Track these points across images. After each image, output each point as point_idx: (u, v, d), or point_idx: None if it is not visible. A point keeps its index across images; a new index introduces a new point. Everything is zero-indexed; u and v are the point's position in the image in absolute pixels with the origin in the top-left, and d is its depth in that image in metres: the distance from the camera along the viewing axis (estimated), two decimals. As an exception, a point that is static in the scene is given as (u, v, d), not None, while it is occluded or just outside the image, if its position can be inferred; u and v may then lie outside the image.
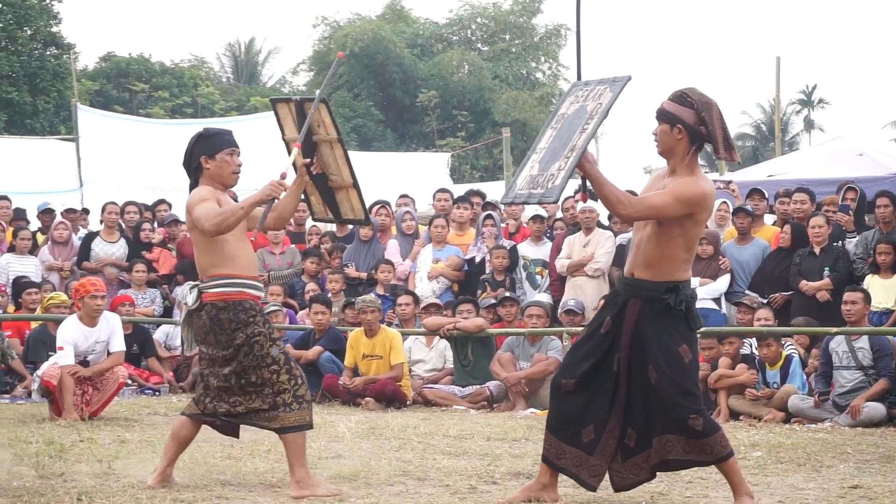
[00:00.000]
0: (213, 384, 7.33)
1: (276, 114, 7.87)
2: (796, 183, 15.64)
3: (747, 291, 13.80)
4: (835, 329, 12.19)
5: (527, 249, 15.62)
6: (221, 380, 7.28)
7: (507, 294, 14.67)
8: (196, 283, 7.37)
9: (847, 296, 12.18)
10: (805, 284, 13.32)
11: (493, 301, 14.60)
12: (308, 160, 7.67)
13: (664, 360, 6.62)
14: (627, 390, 6.77)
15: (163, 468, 7.48)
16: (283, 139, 7.81)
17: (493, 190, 21.36)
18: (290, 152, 7.63)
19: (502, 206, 16.89)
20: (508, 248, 15.43)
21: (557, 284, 15.06)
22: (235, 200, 16.99)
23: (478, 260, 15.65)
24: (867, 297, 12.25)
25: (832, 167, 17.43)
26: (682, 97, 6.74)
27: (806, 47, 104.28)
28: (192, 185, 7.47)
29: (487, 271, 15.41)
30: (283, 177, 7.26)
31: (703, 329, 12.92)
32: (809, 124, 64.53)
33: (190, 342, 7.56)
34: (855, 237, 13.85)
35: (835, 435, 10.83)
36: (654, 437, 6.66)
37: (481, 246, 15.63)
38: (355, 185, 7.85)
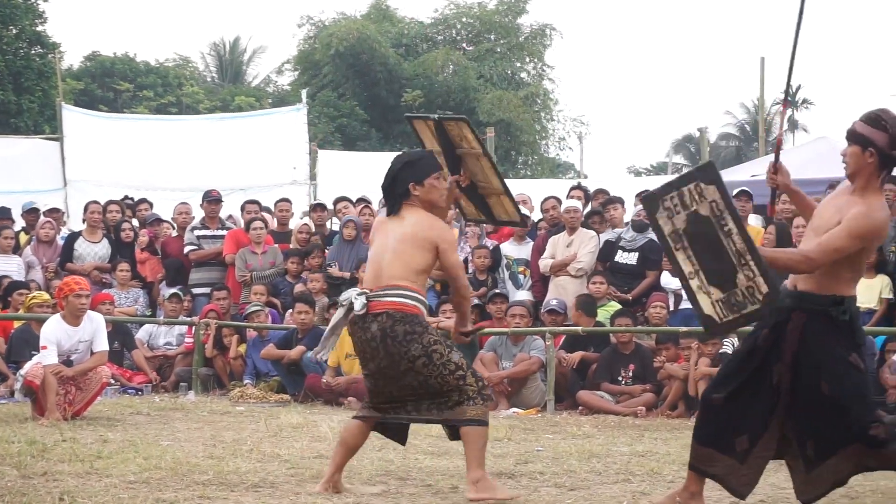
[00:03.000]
0: (389, 395, 7.27)
1: (415, 129, 8.00)
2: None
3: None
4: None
5: (509, 249, 15.62)
6: (398, 390, 7.20)
7: (497, 290, 14.69)
8: (363, 290, 7.22)
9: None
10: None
11: (476, 301, 14.61)
12: (456, 176, 7.83)
13: (838, 371, 6.40)
14: (792, 402, 6.54)
15: (329, 474, 7.38)
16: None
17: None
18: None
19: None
20: (491, 247, 15.45)
21: (540, 284, 15.08)
22: (220, 199, 16.96)
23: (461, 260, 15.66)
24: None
25: (817, 167, 17.40)
26: (875, 119, 6.48)
27: (790, 48, 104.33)
28: (392, 210, 7.36)
29: (470, 271, 15.42)
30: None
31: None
32: (794, 125, 64.57)
33: (328, 346, 7.57)
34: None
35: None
36: (838, 448, 6.42)
37: (464, 245, 15.64)
38: (506, 192, 8.01)
